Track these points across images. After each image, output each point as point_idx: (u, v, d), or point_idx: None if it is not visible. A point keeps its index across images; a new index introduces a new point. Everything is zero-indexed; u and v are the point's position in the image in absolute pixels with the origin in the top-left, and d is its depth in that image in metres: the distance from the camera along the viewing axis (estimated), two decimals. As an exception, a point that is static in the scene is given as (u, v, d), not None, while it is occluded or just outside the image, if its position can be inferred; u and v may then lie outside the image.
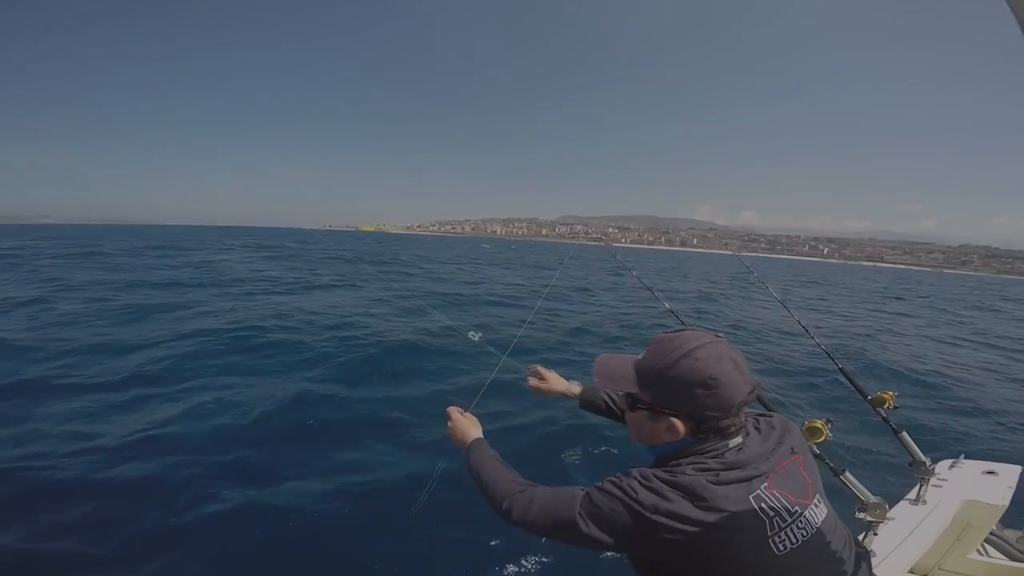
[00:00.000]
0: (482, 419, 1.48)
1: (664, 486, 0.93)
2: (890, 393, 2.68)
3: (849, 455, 4.33)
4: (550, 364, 1.72)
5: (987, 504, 2.33)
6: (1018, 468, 2.74)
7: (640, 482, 0.95)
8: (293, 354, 6.78)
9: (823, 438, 2.39)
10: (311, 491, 3.50)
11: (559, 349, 8.21)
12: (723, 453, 0.97)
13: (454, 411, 1.43)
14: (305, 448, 4.14)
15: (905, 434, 2.26)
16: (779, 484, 0.96)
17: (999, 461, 2.73)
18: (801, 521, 0.95)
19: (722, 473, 0.94)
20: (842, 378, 2.61)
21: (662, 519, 0.90)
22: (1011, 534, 2.76)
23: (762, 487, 0.94)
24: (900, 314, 16.46)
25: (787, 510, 0.94)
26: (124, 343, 6.95)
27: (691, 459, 0.98)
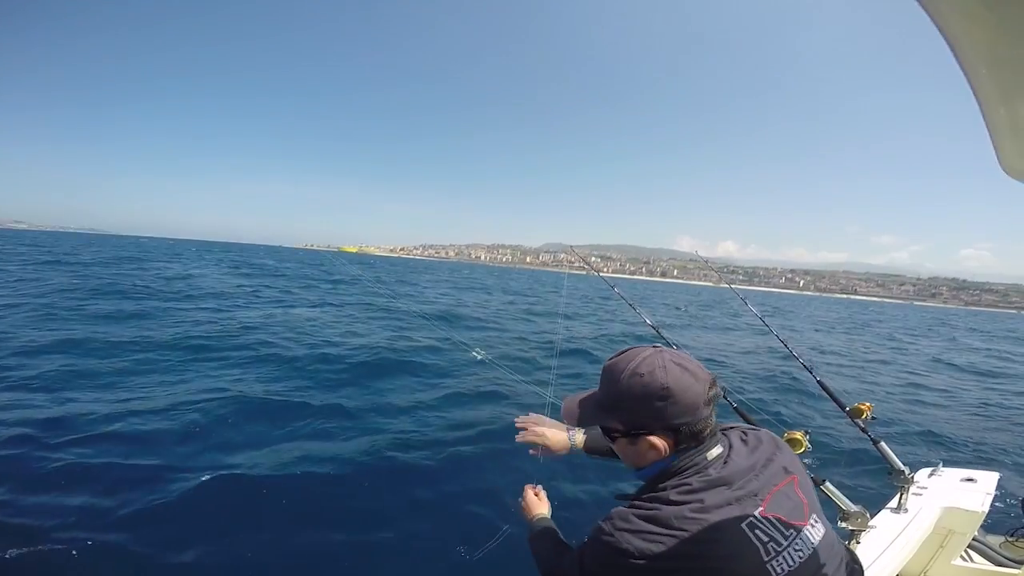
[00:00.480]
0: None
1: (645, 524, 0.90)
2: (867, 405, 2.73)
3: (827, 466, 4.42)
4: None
5: (967, 511, 2.34)
6: (995, 475, 2.80)
7: (620, 527, 0.91)
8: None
9: (802, 449, 2.43)
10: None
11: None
12: (706, 468, 0.95)
13: (528, 489, 1.49)
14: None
15: (883, 444, 2.30)
16: (774, 508, 0.93)
17: (976, 468, 2.78)
18: (798, 543, 0.93)
19: (707, 496, 0.91)
20: (818, 390, 2.66)
21: (649, 563, 0.87)
22: (993, 540, 2.80)
23: (756, 512, 0.91)
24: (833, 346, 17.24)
25: (783, 534, 0.92)
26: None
27: (675, 480, 0.95)
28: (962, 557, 2.60)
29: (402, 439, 4.64)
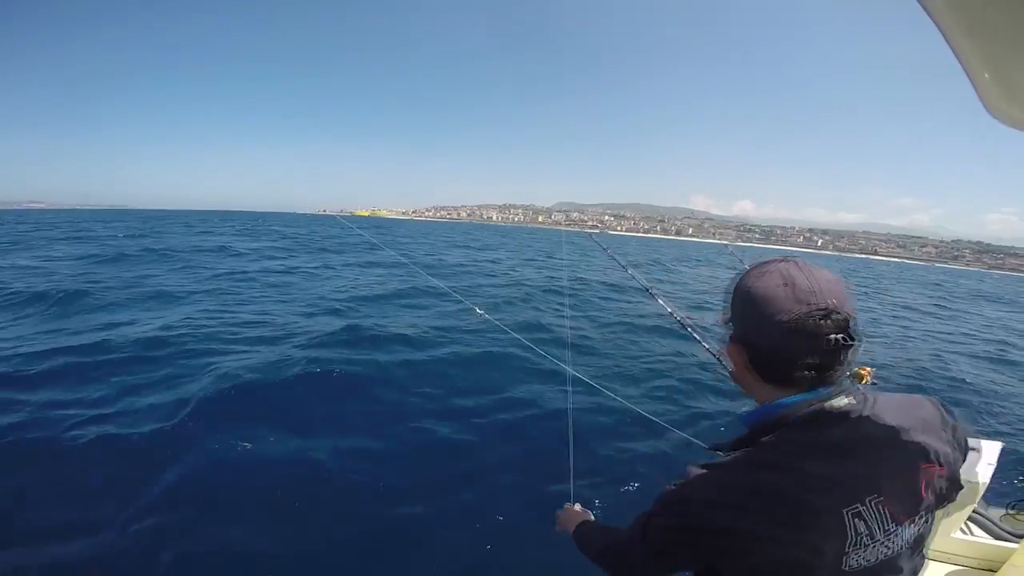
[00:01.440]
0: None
1: (737, 486, 0.77)
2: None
3: None
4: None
5: (969, 482, 2.21)
6: (999, 444, 2.88)
7: (706, 484, 0.80)
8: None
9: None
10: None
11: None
12: (828, 425, 0.78)
13: (568, 507, 1.44)
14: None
15: None
16: (891, 499, 0.78)
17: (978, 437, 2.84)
18: (890, 541, 0.79)
19: (812, 467, 0.75)
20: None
21: (736, 523, 0.75)
22: (994, 512, 2.64)
23: (869, 501, 0.76)
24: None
25: (883, 529, 0.78)
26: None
27: (781, 432, 0.80)
28: (962, 530, 2.54)
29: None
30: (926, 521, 0.84)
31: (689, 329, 2.17)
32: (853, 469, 0.77)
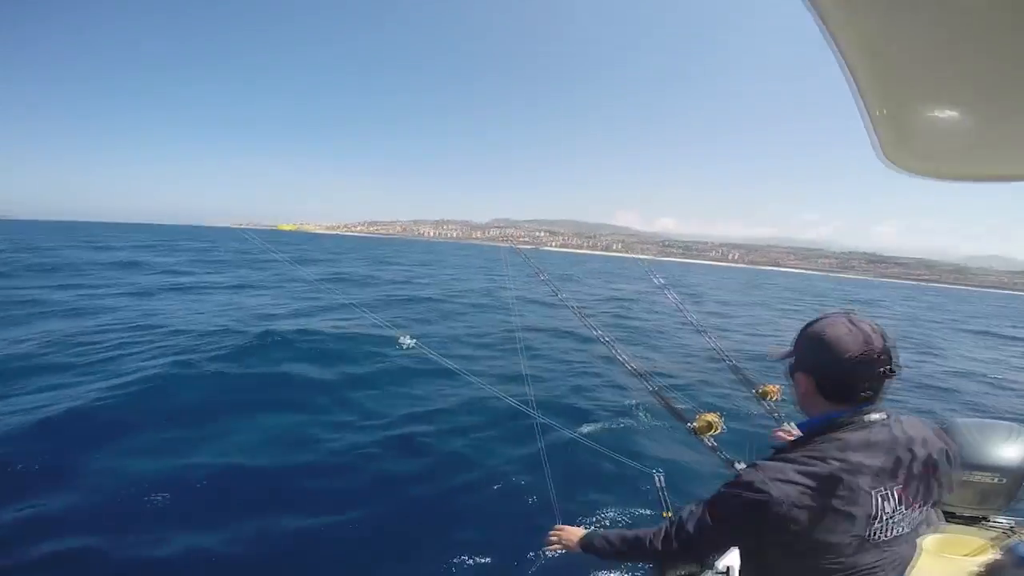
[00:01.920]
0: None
1: (799, 474, 1.06)
2: (775, 387, 2.73)
3: (740, 449, 4.59)
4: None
5: None
6: None
7: (772, 475, 1.08)
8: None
9: (717, 431, 2.42)
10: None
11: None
12: (859, 430, 1.09)
13: (556, 531, 1.62)
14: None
15: (788, 424, 2.31)
16: (910, 486, 1.10)
17: None
18: (903, 521, 1.10)
19: (855, 458, 1.06)
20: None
21: (785, 508, 1.04)
22: None
23: (891, 487, 1.08)
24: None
25: (899, 511, 1.09)
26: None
27: (836, 434, 1.10)
28: None
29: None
30: (923, 512, 1.14)
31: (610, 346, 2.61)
32: (881, 462, 1.07)
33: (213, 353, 7.49)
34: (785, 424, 1.84)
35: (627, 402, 6.64)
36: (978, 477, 2.70)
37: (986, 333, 21.55)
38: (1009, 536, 2.58)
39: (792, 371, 1.21)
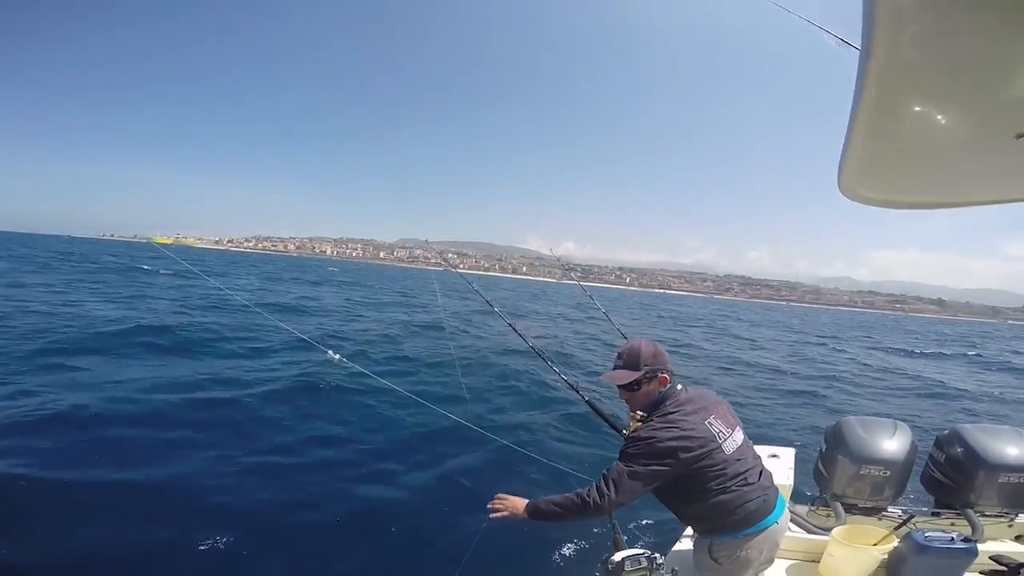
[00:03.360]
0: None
1: (662, 424, 1.80)
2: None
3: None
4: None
5: (779, 485, 2.58)
6: (792, 450, 3.17)
7: (649, 428, 1.80)
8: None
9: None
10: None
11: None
12: (678, 395, 1.91)
13: (500, 499, 1.95)
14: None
15: None
16: (719, 417, 1.87)
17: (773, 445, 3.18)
18: (734, 436, 1.87)
19: (685, 407, 1.85)
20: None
21: (675, 442, 1.74)
22: (801, 509, 3.15)
23: (711, 417, 1.84)
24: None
25: (724, 431, 1.84)
26: None
27: (668, 401, 1.89)
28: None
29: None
30: (743, 434, 1.95)
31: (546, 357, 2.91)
32: (697, 406, 1.87)
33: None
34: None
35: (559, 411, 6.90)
36: (866, 470, 2.99)
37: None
38: (905, 525, 2.89)
39: (646, 379, 1.91)
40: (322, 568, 3.55)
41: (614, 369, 1.95)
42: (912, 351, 24.28)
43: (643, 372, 1.88)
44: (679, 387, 1.93)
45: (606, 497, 1.71)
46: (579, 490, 1.78)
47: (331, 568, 3.55)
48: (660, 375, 1.90)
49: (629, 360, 1.91)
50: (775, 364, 15.42)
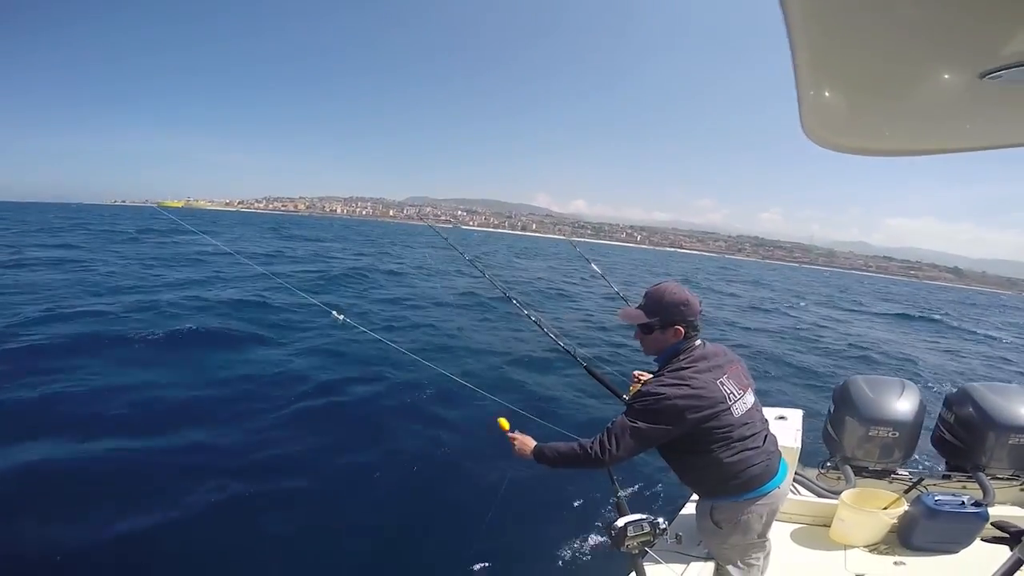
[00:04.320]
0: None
1: (674, 380, 1.74)
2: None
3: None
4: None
5: (785, 447, 2.52)
6: (800, 411, 3.09)
7: (659, 384, 1.75)
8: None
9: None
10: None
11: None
12: (694, 350, 1.83)
13: (515, 435, 2.03)
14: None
15: None
16: (732, 377, 1.81)
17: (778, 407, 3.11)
18: (745, 399, 1.82)
19: (699, 364, 1.78)
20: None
21: (683, 401, 1.69)
22: (811, 472, 3.11)
23: (723, 376, 1.78)
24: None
25: (736, 393, 1.79)
26: None
27: (683, 355, 1.81)
28: (792, 490, 2.83)
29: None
30: (754, 396, 1.89)
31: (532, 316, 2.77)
32: (711, 363, 1.79)
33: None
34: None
35: (558, 378, 6.89)
36: (875, 432, 2.92)
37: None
38: (915, 488, 2.85)
39: (660, 327, 1.83)
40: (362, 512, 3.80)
41: (637, 307, 1.87)
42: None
43: (656, 319, 1.81)
44: (697, 342, 1.83)
45: (607, 451, 1.70)
46: (583, 440, 1.77)
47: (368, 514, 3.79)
48: (676, 327, 1.79)
49: (649, 303, 1.83)
50: (724, 317, 15.77)
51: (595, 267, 3.51)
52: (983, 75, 0.65)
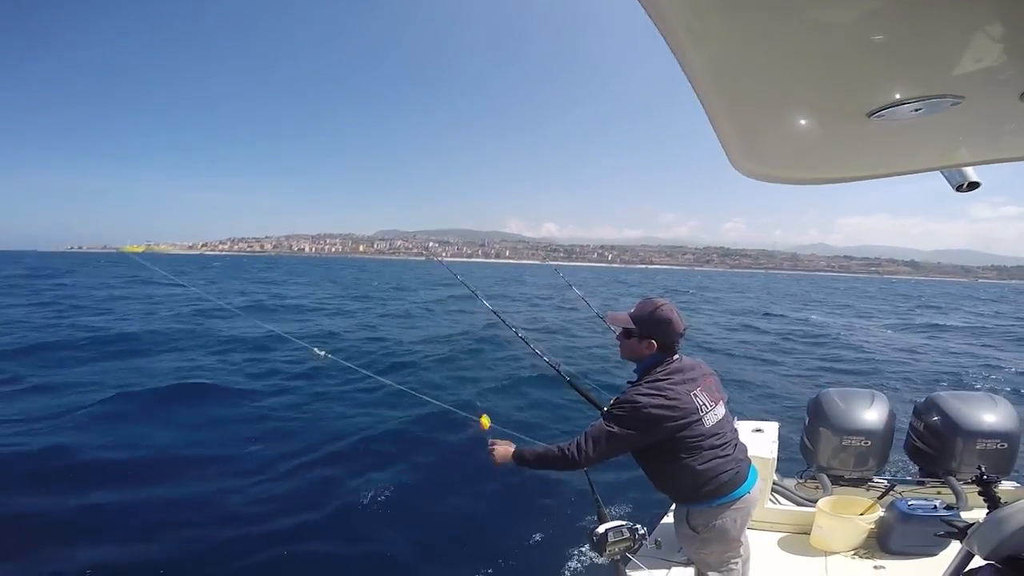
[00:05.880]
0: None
1: (650, 390, 1.83)
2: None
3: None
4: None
5: (762, 458, 2.63)
6: (776, 424, 3.18)
7: (636, 393, 1.84)
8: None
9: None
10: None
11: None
12: (671, 363, 1.92)
13: (494, 443, 2.07)
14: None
15: None
16: (705, 390, 1.91)
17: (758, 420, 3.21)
18: (716, 410, 1.90)
19: (674, 376, 1.87)
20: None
21: (656, 411, 1.79)
22: (789, 482, 3.18)
23: (697, 389, 1.88)
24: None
25: (708, 404, 1.88)
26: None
27: (660, 367, 1.91)
28: (771, 500, 2.89)
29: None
30: (725, 408, 1.97)
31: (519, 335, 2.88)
32: (687, 376, 1.90)
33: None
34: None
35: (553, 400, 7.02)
36: (848, 441, 3.02)
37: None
38: (889, 494, 2.94)
39: (636, 336, 1.94)
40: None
41: (628, 313, 1.98)
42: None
43: (638, 328, 1.93)
44: (675, 356, 1.93)
45: (583, 453, 1.81)
46: (561, 444, 1.88)
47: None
48: (650, 340, 1.90)
49: (638, 312, 1.95)
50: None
51: (576, 290, 3.69)
52: (870, 114, 0.75)
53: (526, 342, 2.75)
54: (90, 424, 5.85)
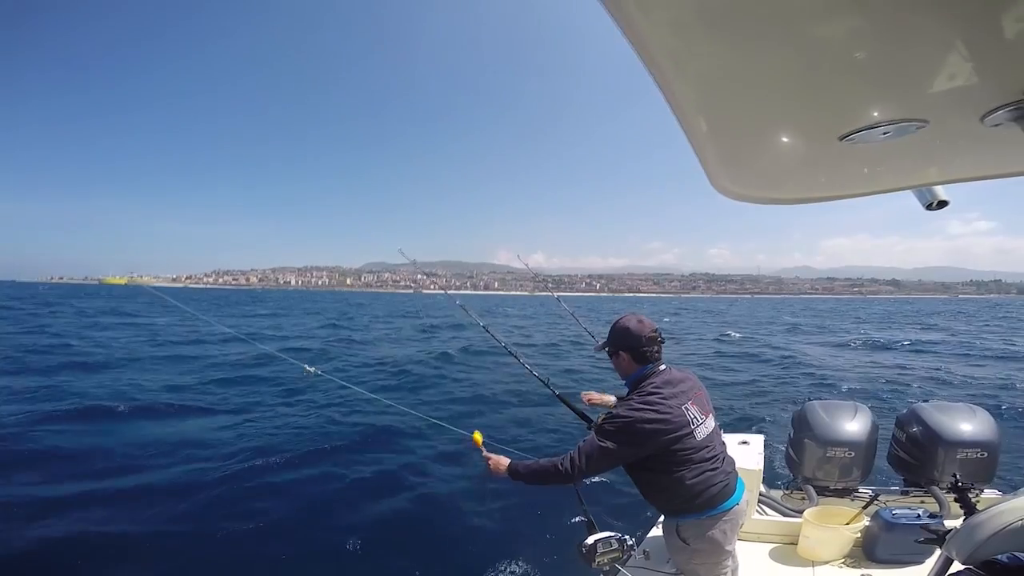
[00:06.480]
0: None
1: (641, 404, 1.84)
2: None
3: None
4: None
5: (748, 470, 2.66)
6: (761, 436, 3.24)
7: (628, 408, 1.86)
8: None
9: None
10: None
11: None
12: (658, 376, 1.94)
13: (489, 455, 2.11)
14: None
15: None
16: (696, 403, 1.92)
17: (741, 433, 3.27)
18: (706, 423, 1.92)
19: (664, 390, 1.87)
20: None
21: (648, 425, 1.80)
22: (776, 493, 3.19)
23: (688, 402, 1.89)
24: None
25: (699, 418, 1.89)
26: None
27: (648, 380, 1.92)
28: (758, 511, 2.90)
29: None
30: (715, 420, 2.00)
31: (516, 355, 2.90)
32: (676, 389, 1.90)
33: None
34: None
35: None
36: (832, 452, 3.06)
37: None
38: (873, 504, 2.97)
39: (612, 353, 2.03)
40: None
41: None
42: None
43: (609, 347, 2.03)
44: (662, 367, 1.96)
45: (576, 468, 1.83)
46: (554, 458, 1.90)
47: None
48: (621, 352, 1.98)
49: (610, 332, 2.05)
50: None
51: (580, 322, 3.71)
52: (841, 138, 0.80)
53: (517, 358, 2.81)
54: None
